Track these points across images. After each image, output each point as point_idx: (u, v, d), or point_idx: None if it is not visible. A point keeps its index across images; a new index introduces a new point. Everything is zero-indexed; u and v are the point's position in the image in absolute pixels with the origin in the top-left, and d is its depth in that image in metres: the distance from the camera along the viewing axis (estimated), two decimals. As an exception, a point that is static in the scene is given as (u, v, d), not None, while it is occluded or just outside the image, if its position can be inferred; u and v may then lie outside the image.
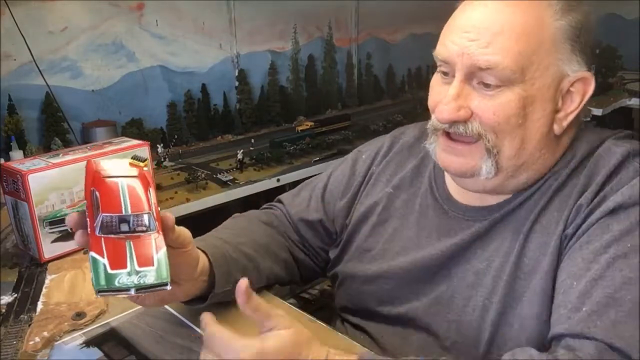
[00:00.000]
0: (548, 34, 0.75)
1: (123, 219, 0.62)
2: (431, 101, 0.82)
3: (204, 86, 2.22)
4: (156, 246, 0.63)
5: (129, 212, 0.63)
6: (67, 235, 1.10)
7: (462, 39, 0.75)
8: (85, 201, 0.66)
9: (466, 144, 0.78)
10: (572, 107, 0.78)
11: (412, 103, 2.75)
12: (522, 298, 0.77)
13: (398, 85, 3.06)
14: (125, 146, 1.20)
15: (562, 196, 0.79)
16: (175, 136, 2.15)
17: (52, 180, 1.07)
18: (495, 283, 0.80)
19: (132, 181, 0.66)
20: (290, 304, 0.92)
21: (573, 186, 0.78)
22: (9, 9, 1.65)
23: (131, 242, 0.62)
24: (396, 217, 0.93)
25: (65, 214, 1.09)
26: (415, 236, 0.90)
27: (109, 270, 0.59)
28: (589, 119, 2.02)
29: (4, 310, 0.93)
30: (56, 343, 0.83)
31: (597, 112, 2.47)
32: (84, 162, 1.10)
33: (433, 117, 0.81)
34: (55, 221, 1.08)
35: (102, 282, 0.59)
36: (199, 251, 0.80)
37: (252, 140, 2.24)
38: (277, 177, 1.82)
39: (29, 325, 0.87)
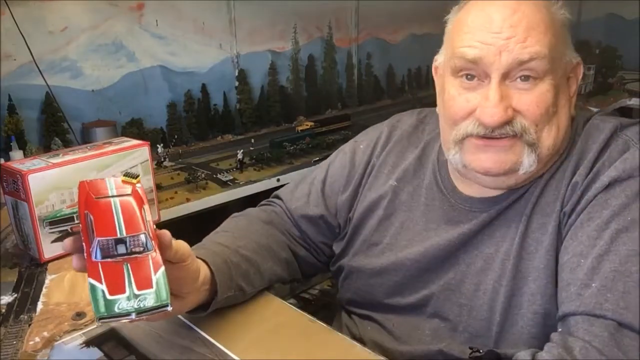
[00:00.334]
0: (559, 25, 0.80)
1: (120, 241, 0.61)
2: (459, 110, 0.80)
3: (204, 86, 2.22)
4: (154, 266, 0.62)
5: (124, 233, 0.62)
6: (67, 235, 1.10)
7: (495, 38, 0.76)
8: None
9: (507, 139, 0.78)
10: (573, 90, 0.84)
11: (412, 103, 2.76)
12: (528, 278, 0.80)
13: (398, 85, 3.06)
14: (125, 146, 1.20)
15: (557, 176, 0.82)
16: (175, 136, 2.15)
17: (52, 180, 1.07)
18: (503, 266, 0.82)
19: (125, 200, 0.65)
20: (291, 304, 0.92)
21: (566, 165, 0.81)
22: (9, 9, 1.65)
23: (129, 265, 0.61)
24: (402, 211, 0.94)
25: (65, 214, 1.09)
26: (422, 229, 0.91)
27: (108, 296, 0.58)
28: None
29: (4, 310, 0.93)
30: (56, 343, 0.83)
31: (597, 111, 2.46)
32: (84, 162, 1.11)
33: (460, 127, 0.80)
34: (55, 221, 1.08)
35: (102, 309, 0.58)
36: (200, 261, 0.79)
37: (252, 140, 2.24)
38: (277, 177, 1.82)
39: (29, 325, 0.87)
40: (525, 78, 0.76)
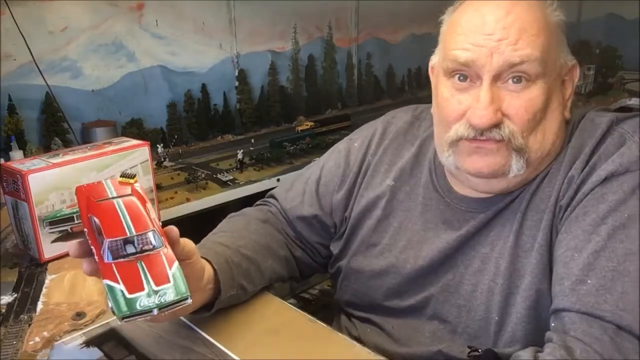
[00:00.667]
0: (553, 27, 0.79)
1: (127, 241, 0.61)
2: (451, 112, 0.80)
3: (204, 86, 2.22)
4: (168, 262, 0.62)
5: (134, 232, 0.62)
6: (67, 235, 1.10)
7: (487, 40, 0.75)
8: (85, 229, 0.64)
9: (494, 142, 0.78)
10: (568, 93, 0.83)
11: (412, 103, 2.75)
12: (524, 275, 0.79)
13: (398, 85, 3.06)
14: (125, 146, 1.20)
15: (552, 172, 0.81)
16: (175, 136, 2.15)
17: (52, 180, 1.07)
18: (498, 264, 0.82)
19: (128, 200, 0.65)
20: (290, 304, 0.92)
21: (561, 160, 0.81)
22: (9, 9, 1.65)
23: (142, 263, 0.61)
24: (400, 211, 0.94)
25: (65, 214, 1.09)
26: (421, 229, 0.91)
27: (128, 295, 0.58)
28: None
29: (4, 310, 0.93)
30: (56, 343, 0.83)
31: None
32: (84, 162, 1.11)
33: (453, 129, 0.80)
34: (55, 221, 1.08)
35: (124, 308, 0.57)
36: (203, 260, 0.79)
37: (252, 140, 2.24)
38: (277, 177, 1.82)
39: (29, 325, 0.87)
40: (517, 80, 0.76)
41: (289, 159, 2.00)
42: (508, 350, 0.75)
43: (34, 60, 1.74)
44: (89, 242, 0.62)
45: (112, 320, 0.87)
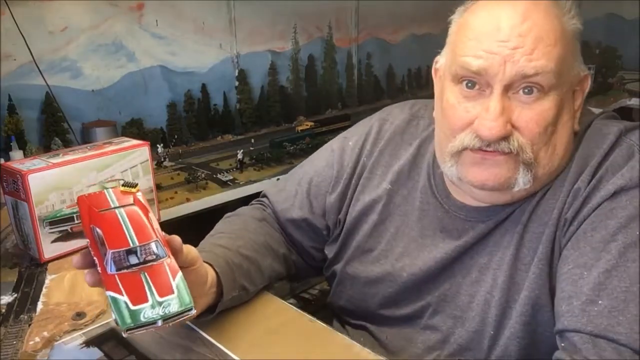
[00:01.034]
0: (569, 36, 0.75)
1: (130, 252, 0.61)
2: (457, 120, 0.76)
3: (204, 86, 2.22)
4: (171, 272, 0.61)
5: (137, 243, 0.61)
6: (67, 235, 1.10)
7: (501, 47, 0.71)
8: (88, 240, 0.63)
9: (502, 154, 0.74)
10: (578, 104, 0.80)
11: (412, 103, 2.75)
12: (522, 289, 0.77)
13: (398, 85, 3.06)
14: (125, 146, 1.20)
15: (557, 183, 0.78)
16: (175, 136, 2.15)
17: (52, 180, 1.07)
18: (495, 276, 0.80)
19: (130, 210, 0.65)
20: (290, 304, 0.92)
21: (566, 171, 0.78)
22: (9, 9, 1.65)
23: (146, 274, 0.60)
24: (397, 215, 0.91)
25: (65, 214, 1.09)
26: (418, 236, 0.88)
27: (132, 307, 0.58)
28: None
29: (4, 310, 0.93)
30: (56, 343, 0.83)
31: (596, 111, 2.46)
32: (84, 162, 1.11)
33: (458, 139, 0.76)
34: (55, 221, 1.08)
35: (128, 320, 0.57)
36: (205, 264, 0.78)
37: (252, 140, 2.24)
38: (277, 177, 1.82)
39: (29, 325, 0.87)
40: (529, 90, 0.72)
41: (289, 159, 2.00)
42: None
43: (34, 60, 1.74)
44: (92, 252, 0.62)
45: (111, 320, 0.87)
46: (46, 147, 1.79)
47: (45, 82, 1.77)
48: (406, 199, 0.91)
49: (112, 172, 1.16)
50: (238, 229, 0.96)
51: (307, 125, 2.33)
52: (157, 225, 0.65)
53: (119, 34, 1.95)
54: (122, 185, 0.68)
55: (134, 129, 1.99)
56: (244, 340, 0.81)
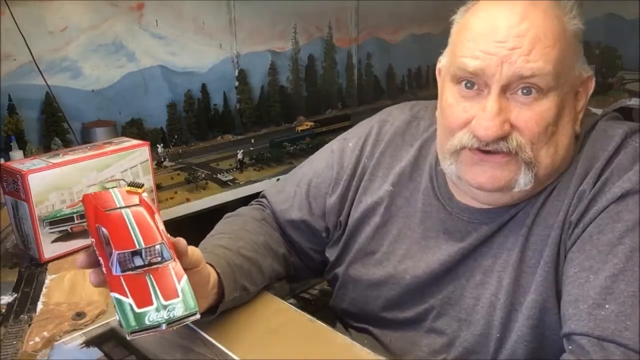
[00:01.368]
0: (569, 36, 0.75)
1: (135, 253, 0.60)
2: (455, 119, 0.76)
3: (204, 86, 2.22)
4: (176, 276, 0.61)
5: (143, 245, 0.61)
6: (67, 235, 1.10)
7: (498, 48, 0.71)
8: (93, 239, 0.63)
9: (502, 155, 0.74)
10: (580, 105, 0.79)
11: (412, 103, 2.75)
12: (528, 292, 0.76)
13: (398, 85, 3.06)
14: (125, 146, 1.20)
15: (562, 185, 0.78)
16: (175, 136, 2.15)
17: (52, 180, 1.07)
18: (500, 278, 0.79)
19: (136, 211, 0.64)
20: (290, 304, 0.92)
21: (571, 173, 0.77)
22: (9, 9, 1.65)
23: (151, 276, 0.60)
24: (399, 217, 0.91)
25: (65, 214, 1.09)
26: (421, 238, 0.88)
27: (137, 310, 0.57)
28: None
29: (4, 310, 0.93)
30: (56, 343, 0.83)
31: (597, 112, 2.46)
32: (84, 162, 1.11)
33: (456, 137, 0.76)
34: (55, 221, 1.08)
35: (133, 322, 0.57)
36: (207, 265, 0.78)
37: (252, 140, 2.24)
38: (277, 177, 1.82)
39: (29, 325, 0.87)
40: (527, 91, 0.72)
41: (289, 159, 2.00)
42: None
43: (34, 60, 1.74)
44: (97, 252, 0.62)
45: (112, 320, 0.87)
46: (46, 147, 1.79)
47: (45, 82, 1.78)
48: (408, 200, 0.90)
49: (112, 172, 1.16)
50: (238, 230, 0.96)
51: (307, 125, 2.33)
52: (162, 227, 0.64)
53: (119, 34, 1.95)
54: (128, 185, 0.68)
55: (134, 129, 1.99)
56: (244, 340, 0.81)
